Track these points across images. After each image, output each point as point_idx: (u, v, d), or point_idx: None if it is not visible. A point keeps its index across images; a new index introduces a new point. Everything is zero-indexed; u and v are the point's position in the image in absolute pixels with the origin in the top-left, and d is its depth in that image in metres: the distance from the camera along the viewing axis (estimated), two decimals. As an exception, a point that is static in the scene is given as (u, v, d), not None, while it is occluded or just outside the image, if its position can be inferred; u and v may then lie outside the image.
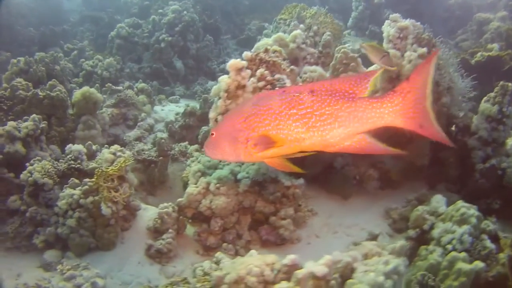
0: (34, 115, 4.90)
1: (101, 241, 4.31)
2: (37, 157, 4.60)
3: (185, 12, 8.50)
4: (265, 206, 4.61)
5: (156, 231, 4.46)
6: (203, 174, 4.65)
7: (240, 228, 4.66)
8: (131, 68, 8.39)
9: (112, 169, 4.33)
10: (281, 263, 2.70)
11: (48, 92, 5.55)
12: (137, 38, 8.76)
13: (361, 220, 5.10)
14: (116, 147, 4.53)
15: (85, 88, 5.62)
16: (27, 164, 4.49)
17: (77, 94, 5.65)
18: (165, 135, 6.16)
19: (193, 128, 6.33)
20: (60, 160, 4.68)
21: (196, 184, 4.58)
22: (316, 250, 4.46)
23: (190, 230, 4.73)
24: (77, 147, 4.77)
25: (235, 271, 2.71)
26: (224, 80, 4.16)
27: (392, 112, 1.61)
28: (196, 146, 5.70)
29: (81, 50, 9.12)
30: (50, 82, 5.78)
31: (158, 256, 4.33)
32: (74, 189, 4.34)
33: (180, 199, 4.65)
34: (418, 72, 1.62)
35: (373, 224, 5.02)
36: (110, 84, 6.36)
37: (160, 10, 8.88)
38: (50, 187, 4.40)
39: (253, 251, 3.19)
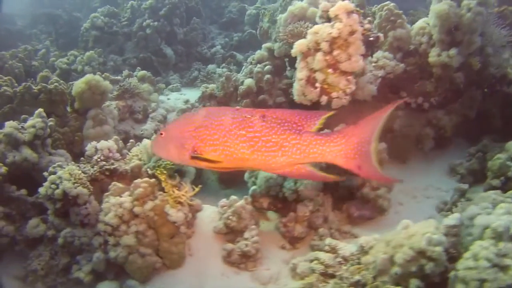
0: (40, 109, 3.39)
1: (168, 257, 3.00)
2: (57, 163, 3.09)
3: (165, -6, 7.04)
4: (351, 178, 3.67)
5: (232, 231, 3.30)
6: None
7: (324, 210, 3.63)
8: (115, 60, 6.80)
9: (168, 163, 2.98)
10: (446, 225, 2.21)
11: (44, 84, 3.97)
12: (115, 27, 7.14)
13: (430, 180, 4.47)
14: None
15: (89, 76, 4.15)
16: (46, 174, 3.00)
17: (80, 84, 4.15)
18: None
19: None
20: (82, 164, 3.20)
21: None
22: (408, 217, 3.60)
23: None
24: (106, 143, 3.36)
25: (407, 247, 2.06)
26: (323, 28, 2.98)
27: (333, 152, 1.57)
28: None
29: (45, 51, 7.30)
30: (41, 74, 4.25)
31: (243, 261, 3.19)
32: (121, 196, 2.93)
33: (254, 187, 3.41)
34: (368, 121, 1.60)
35: (443, 182, 4.41)
36: (108, 74, 4.85)
37: (135, -4, 7.33)
38: (86, 198, 2.95)
39: (406, 221, 2.39)
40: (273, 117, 1.59)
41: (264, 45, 5.31)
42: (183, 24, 7.28)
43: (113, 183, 3.09)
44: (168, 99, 5.60)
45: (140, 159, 3.48)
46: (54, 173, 3.02)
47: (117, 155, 3.43)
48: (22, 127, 3.39)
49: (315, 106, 3.93)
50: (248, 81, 4.80)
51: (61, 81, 4.26)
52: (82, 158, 3.50)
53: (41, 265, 2.89)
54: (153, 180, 3.05)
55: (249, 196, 3.57)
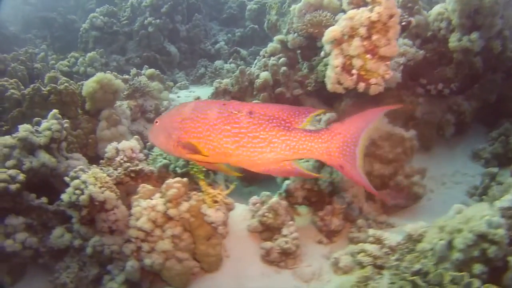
0: (54, 110, 3.08)
1: (206, 261, 2.78)
2: (78, 167, 2.80)
3: (165, -9, 6.73)
4: (384, 167, 3.62)
5: (267, 229, 3.09)
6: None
7: (358, 201, 3.48)
8: (117, 60, 6.47)
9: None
10: (501, 207, 2.12)
11: (53, 85, 3.67)
12: (115, 27, 6.80)
13: (456, 166, 4.39)
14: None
15: (101, 74, 3.87)
16: (67, 179, 2.71)
17: (91, 83, 3.85)
18: None
19: None
20: (103, 167, 2.93)
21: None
22: (442, 204, 3.66)
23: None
24: (128, 143, 3.09)
25: (467, 232, 1.96)
26: (360, 13, 2.77)
27: (320, 148, 1.51)
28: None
29: (44, 54, 6.92)
30: (49, 74, 3.94)
31: (283, 258, 2.98)
32: (152, 199, 2.66)
33: (288, 182, 3.25)
34: (354, 119, 1.52)
35: (469, 167, 4.35)
36: (115, 73, 4.55)
37: (134, -6, 7.00)
38: (114, 203, 2.68)
39: (458, 206, 2.32)
40: (261, 113, 1.54)
41: (276, 38, 5.07)
42: (185, 21, 6.98)
43: (142, 185, 2.83)
44: (178, 97, 5.32)
45: (165, 158, 3.22)
46: (77, 177, 2.73)
47: (141, 155, 3.16)
48: (36, 130, 3.09)
49: (349, 93, 3.71)
50: (264, 74, 4.55)
51: (71, 81, 3.94)
52: (101, 160, 3.21)
53: (70, 278, 2.61)
54: (185, 179, 2.80)
55: (283, 191, 3.39)
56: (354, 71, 3.13)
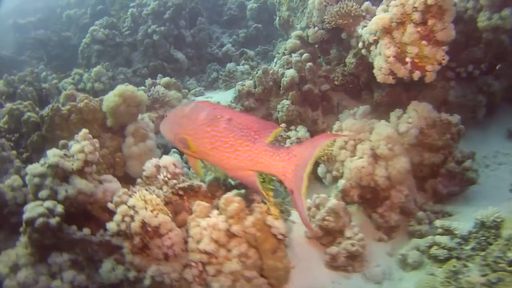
0: (84, 130, 2.73)
1: (275, 275, 2.52)
2: (121, 191, 2.46)
3: (166, -3, 6.36)
4: (433, 155, 3.45)
5: (328, 233, 2.91)
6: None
7: (412, 193, 3.32)
8: (124, 73, 6.09)
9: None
10: None
11: (73, 103, 3.31)
12: (118, 38, 6.41)
13: (495, 147, 4.21)
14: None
15: (121, 87, 3.52)
16: (111, 205, 2.37)
17: (112, 98, 3.49)
18: None
19: (254, 111, 4.44)
20: (143, 187, 2.60)
21: (353, 156, 3.17)
22: (493, 187, 3.56)
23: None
24: (170, 159, 2.77)
25: None
26: None
27: (277, 166, 1.52)
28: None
29: (46, 74, 6.51)
30: (66, 92, 3.59)
31: (350, 262, 2.81)
32: (210, 216, 2.34)
33: (342, 181, 3.17)
34: (308, 144, 1.53)
35: (508, 147, 4.17)
36: (129, 84, 4.18)
37: (132, 4, 6.60)
38: (169, 226, 2.34)
39: None
40: (238, 121, 1.60)
41: (294, 34, 4.77)
42: (189, 26, 6.62)
43: (197, 202, 2.50)
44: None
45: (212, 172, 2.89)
46: (123, 203, 2.38)
47: (186, 170, 2.82)
48: (65, 154, 2.73)
49: (380, 84, 3.43)
50: (291, 72, 4.24)
51: (91, 97, 3.58)
52: (139, 180, 2.87)
53: (129, 316, 2.25)
54: (243, 191, 2.48)
55: (338, 191, 3.13)
56: (408, 59, 2.85)
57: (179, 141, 1.75)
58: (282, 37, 7.11)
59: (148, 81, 4.69)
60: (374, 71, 3.11)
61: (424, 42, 2.75)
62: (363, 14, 3.81)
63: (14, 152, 2.95)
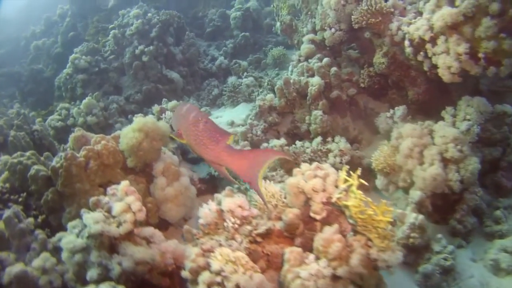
0: (125, 182, 2.13)
1: None
2: (193, 253, 1.90)
3: (149, 14, 5.68)
4: (493, 150, 3.26)
5: (413, 251, 2.62)
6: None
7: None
8: (116, 101, 5.36)
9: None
10: None
11: (89, 148, 2.68)
12: (102, 64, 5.66)
13: None
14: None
15: (141, 120, 2.93)
16: (186, 274, 1.84)
17: (131, 134, 2.89)
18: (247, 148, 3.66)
19: (279, 125, 3.95)
20: (203, 237, 2.09)
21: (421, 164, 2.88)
22: None
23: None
24: (233, 200, 2.22)
25: None
26: None
27: (234, 164, 1.84)
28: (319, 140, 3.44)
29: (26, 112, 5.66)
30: (75, 134, 2.92)
31: (444, 278, 2.54)
32: (307, 263, 1.86)
33: (417, 192, 2.86)
34: (264, 154, 1.89)
35: None
36: (133, 116, 3.58)
37: (112, 25, 5.88)
38: (265, 285, 1.81)
39: None
40: (210, 124, 1.91)
41: (306, 38, 4.31)
42: (178, 42, 5.99)
43: (289, 249, 1.99)
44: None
45: (286, 205, 2.37)
46: (203, 268, 1.81)
47: (255, 211, 2.28)
48: (106, 216, 2.11)
49: (413, 82, 3.05)
50: (317, 80, 3.78)
51: (107, 136, 2.94)
52: (195, 231, 2.30)
53: None
54: (335, 226, 2.01)
55: (413, 203, 2.78)
56: (481, 55, 2.48)
57: (178, 136, 2.06)
58: (279, 43, 6.69)
59: (156, 108, 4.06)
60: (440, 70, 2.74)
61: (503, 34, 2.39)
62: (392, 10, 3.43)
63: (31, 219, 2.27)
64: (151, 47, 5.38)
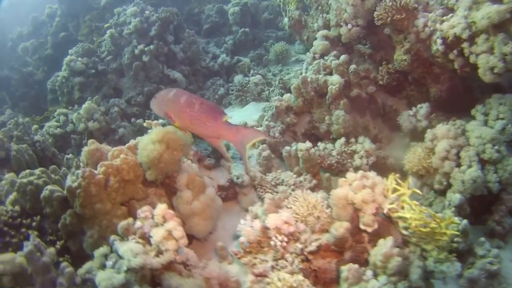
0: (162, 205, 1.89)
1: None
2: (249, 282, 1.67)
3: (147, 12, 5.32)
4: None
5: (458, 254, 2.32)
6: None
7: None
8: (117, 104, 5.01)
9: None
10: None
11: (107, 163, 2.41)
12: (100, 65, 5.29)
13: None
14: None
15: (159, 130, 2.67)
16: None
17: (151, 145, 2.63)
18: (266, 152, 3.44)
19: (295, 126, 3.73)
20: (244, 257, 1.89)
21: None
22: None
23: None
24: (278, 217, 2.03)
25: None
26: None
27: (230, 137, 2.25)
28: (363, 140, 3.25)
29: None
30: (89, 148, 2.64)
31: (489, 283, 2.45)
32: (366, 280, 1.67)
33: (456, 196, 2.71)
34: (254, 132, 2.36)
35: None
36: (136, 120, 3.29)
37: (107, 24, 5.49)
38: None
39: None
40: (207, 104, 2.25)
41: (319, 34, 4.07)
42: (178, 40, 5.65)
43: (347, 267, 1.85)
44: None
45: (330, 216, 2.18)
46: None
47: (301, 226, 2.09)
48: (142, 244, 1.86)
49: (436, 79, 2.87)
50: (337, 78, 3.55)
51: (123, 147, 2.66)
52: (235, 250, 2.10)
53: None
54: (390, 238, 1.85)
55: (454, 206, 2.66)
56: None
57: (168, 117, 2.30)
58: (279, 38, 6.43)
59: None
60: (480, 70, 2.56)
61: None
62: (416, 6, 3.22)
63: (52, 250, 1.98)
64: (151, 46, 5.05)
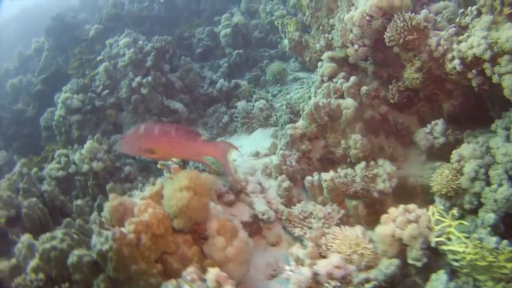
0: (213, 269, 1.78)
1: None
2: None
3: (140, 42, 5.16)
4: None
5: None
6: None
7: None
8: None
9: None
10: None
11: (136, 220, 2.27)
12: (97, 101, 5.08)
13: None
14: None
15: (185, 176, 2.54)
16: None
17: (179, 193, 2.52)
18: (286, 183, 3.34)
19: (311, 152, 3.65)
20: None
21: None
22: None
23: None
24: (330, 261, 1.89)
25: None
26: None
27: (211, 152, 2.49)
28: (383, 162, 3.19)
29: (11, 165, 5.02)
30: (111, 204, 2.49)
31: None
32: None
33: (490, 216, 2.68)
34: (229, 145, 2.55)
35: None
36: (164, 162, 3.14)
37: (100, 57, 5.31)
38: None
39: None
40: (183, 129, 2.40)
41: (326, 55, 4.02)
42: (174, 68, 5.50)
43: None
44: (234, 160, 3.98)
45: (374, 253, 2.09)
46: None
47: (351, 268, 2.00)
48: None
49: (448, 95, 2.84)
50: (350, 102, 3.50)
51: (150, 201, 2.51)
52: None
53: None
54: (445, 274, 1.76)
55: (488, 226, 2.65)
56: None
57: (144, 151, 2.38)
58: (272, 57, 6.37)
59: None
60: (506, 91, 2.54)
61: None
62: (426, 25, 3.21)
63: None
64: (149, 78, 4.89)
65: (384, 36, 3.42)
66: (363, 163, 3.41)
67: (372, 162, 3.47)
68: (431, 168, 3.55)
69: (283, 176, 3.47)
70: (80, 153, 4.47)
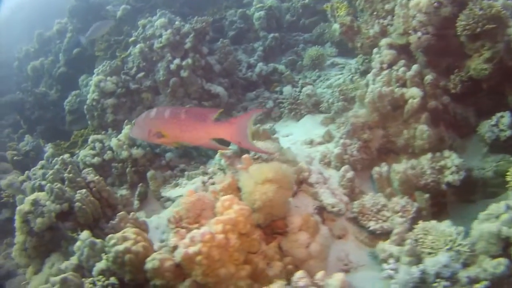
0: (338, 276, 1.64)
1: None
2: None
3: (176, 22, 4.89)
4: None
5: None
6: None
7: None
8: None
9: None
10: None
11: (224, 220, 2.13)
12: (132, 84, 4.84)
13: None
14: None
15: (269, 169, 2.50)
16: None
17: (261, 187, 2.42)
18: (350, 173, 3.20)
19: (371, 141, 3.49)
20: None
21: None
22: None
23: None
24: (433, 261, 1.74)
25: None
26: None
27: (224, 132, 2.19)
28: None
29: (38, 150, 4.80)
30: (188, 199, 2.33)
31: None
32: None
33: None
34: (242, 117, 2.21)
35: None
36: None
37: (133, 38, 5.03)
38: None
39: None
40: (192, 112, 2.25)
41: (384, 42, 3.83)
42: (211, 51, 5.25)
43: None
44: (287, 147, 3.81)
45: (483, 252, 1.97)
46: None
47: (458, 266, 1.88)
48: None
49: None
50: (416, 92, 3.34)
51: (232, 196, 2.35)
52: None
53: None
54: None
55: None
56: None
57: (154, 135, 2.30)
58: (307, 41, 6.13)
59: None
60: None
61: None
62: (505, 12, 3.01)
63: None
64: (188, 60, 4.65)
65: (456, 24, 3.21)
66: (429, 155, 3.27)
67: (438, 154, 3.34)
68: (494, 161, 3.43)
69: (347, 166, 3.33)
70: (118, 138, 4.26)
